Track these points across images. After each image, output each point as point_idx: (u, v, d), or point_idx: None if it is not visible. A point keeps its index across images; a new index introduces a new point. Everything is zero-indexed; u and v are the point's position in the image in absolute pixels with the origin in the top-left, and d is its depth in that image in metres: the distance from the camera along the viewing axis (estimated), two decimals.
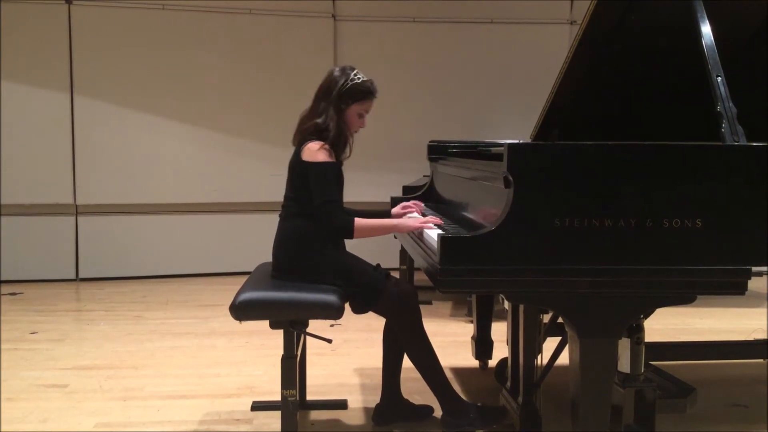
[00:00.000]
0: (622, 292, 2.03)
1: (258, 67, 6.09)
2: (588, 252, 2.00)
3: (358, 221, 2.58)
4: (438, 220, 2.61)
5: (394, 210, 2.94)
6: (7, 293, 5.43)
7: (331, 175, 2.60)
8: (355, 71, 2.69)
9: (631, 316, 2.13)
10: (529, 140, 2.66)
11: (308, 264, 2.63)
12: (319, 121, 2.64)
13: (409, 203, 2.97)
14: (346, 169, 2.73)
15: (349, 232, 2.57)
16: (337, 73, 2.69)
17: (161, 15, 5.93)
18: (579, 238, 1.99)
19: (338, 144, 2.67)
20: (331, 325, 4.21)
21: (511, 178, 2.02)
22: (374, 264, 2.74)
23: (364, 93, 2.67)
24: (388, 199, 3.53)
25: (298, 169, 2.65)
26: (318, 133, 2.64)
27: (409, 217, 2.83)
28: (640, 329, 2.27)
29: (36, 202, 5.83)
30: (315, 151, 2.59)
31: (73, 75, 5.82)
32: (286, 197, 2.75)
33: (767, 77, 2.81)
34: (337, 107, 2.65)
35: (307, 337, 2.73)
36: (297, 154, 2.67)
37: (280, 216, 2.75)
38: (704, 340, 4.00)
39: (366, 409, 3.04)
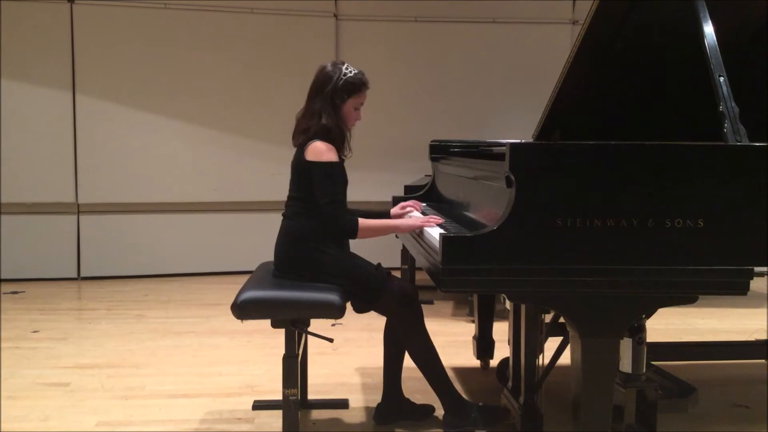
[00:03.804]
0: (624, 292, 2.03)
1: (259, 66, 6.09)
2: (590, 252, 2.00)
3: (362, 222, 2.60)
4: (439, 219, 2.62)
5: (393, 210, 2.94)
6: (9, 292, 5.43)
7: (336, 176, 2.61)
8: (345, 65, 2.69)
9: (632, 316, 2.13)
10: (531, 140, 2.65)
11: (310, 263, 2.63)
12: (324, 121, 2.63)
13: (408, 203, 2.98)
14: (347, 169, 2.74)
15: (354, 233, 2.60)
16: (329, 69, 2.68)
17: (163, 14, 5.93)
18: (581, 237, 1.99)
19: (339, 141, 2.67)
20: (333, 325, 4.21)
21: (513, 178, 2.02)
22: (375, 263, 2.74)
23: (358, 86, 2.68)
24: (390, 199, 3.53)
25: (302, 168, 2.65)
26: (324, 133, 2.64)
27: (410, 216, 2.84)
28: (642, 329, 2.27)
29: (38, 201, 5.83)
30: (321, 151, 2.59)
31: (75, 74, 5.82)
32: (289, 197, 2.75)
33: None
34: (333, 104, 2.65)
35: (309, 337, 2.74)
36: (300, 154, 2.66)
37: (283, 215, 2.76)
38: (706, 340, 4.00)
39: (367, 409, 3.04)
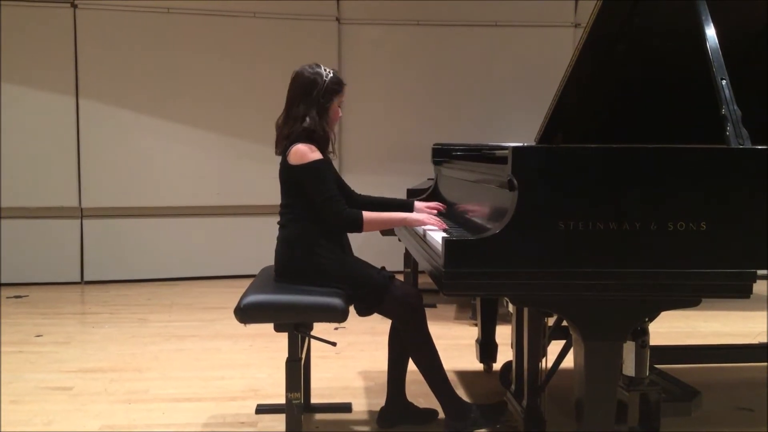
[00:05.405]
0: (627, 295, 2.03)
1: (262, 70, 6.08)
2: (592, 255, 2.00)
3: (367, 214, 2.58)
4: (443, 220, 2.63)
5: (418, 204, 2.92)
6: (12, 296, 5.44)
7: (324, 173, 2.60)
8: (322, 66, 2.69)
9: (635, 319, 2.13)
10: (533, 143, 2.66)
11: (311, 268, 2.62)
12: (306, 124, 2.63)
13: (433, 204, 2.93)
14: (349, 172, 2.74)
15: (358, 224, 2.57)
16: (310, 73, 2.67)
17: (166, 18, 5.94)
18: (583, 241, 1.99)
19: (323, 143, 2.67)
20: (336, 328, 4.21)
21: (515, 181, 2.02)
22: (378, 267, 2.74)
23: (340, 84, 2.71)
24: None
25: (289, 175, 2.64)
26: (307, 136, 2.63)
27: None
28: (645, 332, 2.27)
29: (41, 205, 5.85)
30: (303, 153, 2.58)
31: (79, 78, 5.83)
32: (281, 205, 2.74)
33: None
34: (321, 107, 2.65)
35: (312, 340, 2.73)
36: (284, 161, 2.66)
37: (278, 223, 2.75)
38: (709, 343, 3.99)
39: (370, 413, 3.04)
